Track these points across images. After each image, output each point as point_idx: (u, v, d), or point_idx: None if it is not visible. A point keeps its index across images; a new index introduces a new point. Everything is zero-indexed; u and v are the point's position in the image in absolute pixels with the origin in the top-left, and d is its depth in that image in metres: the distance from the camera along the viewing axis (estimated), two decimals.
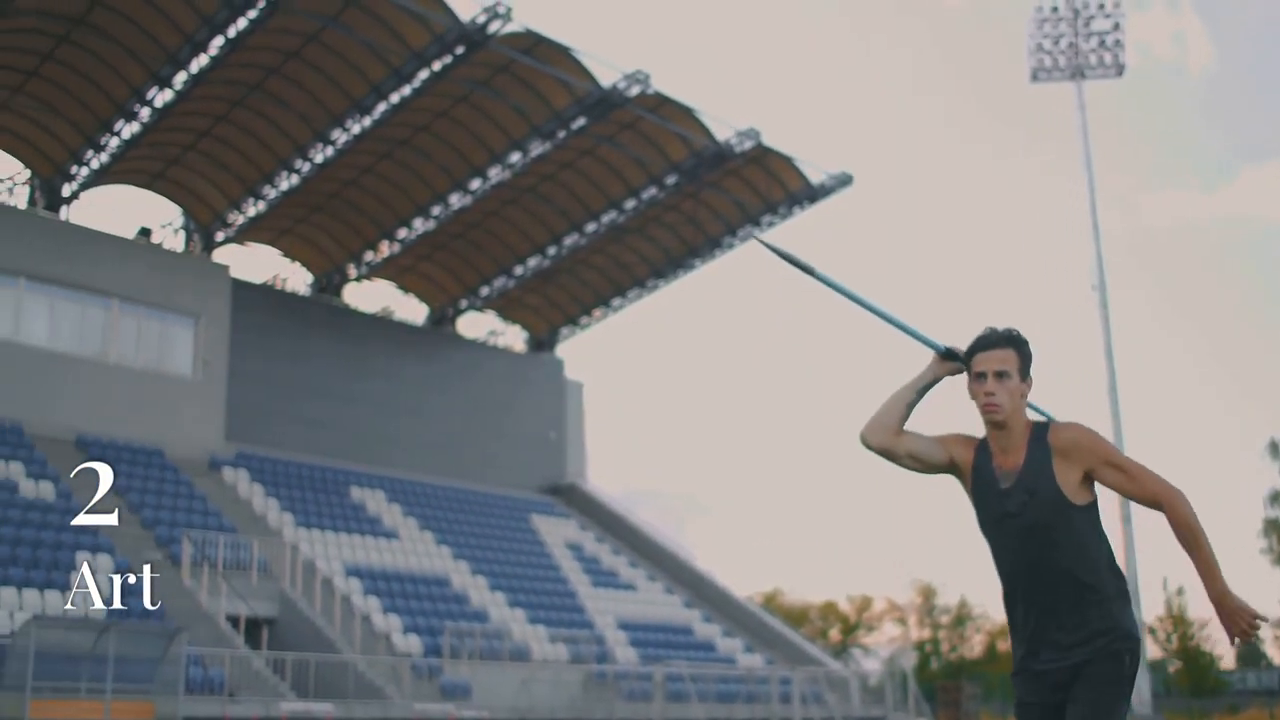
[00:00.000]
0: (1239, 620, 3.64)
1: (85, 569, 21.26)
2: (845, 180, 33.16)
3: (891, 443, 4.03)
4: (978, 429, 4.00)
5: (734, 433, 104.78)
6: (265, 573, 24.79)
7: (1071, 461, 3.81)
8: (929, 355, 4.08)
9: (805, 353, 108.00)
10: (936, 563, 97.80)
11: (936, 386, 4.13)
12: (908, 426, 4.10)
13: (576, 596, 30.53)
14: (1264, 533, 45.59)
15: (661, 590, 33.56)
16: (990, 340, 3.94)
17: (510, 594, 28.76)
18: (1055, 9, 39.58)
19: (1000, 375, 3.88)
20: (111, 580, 21.34)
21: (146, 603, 20.98)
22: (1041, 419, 4.00)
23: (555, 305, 39.29)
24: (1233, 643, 3.76)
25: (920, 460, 4.04)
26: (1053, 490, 3.81)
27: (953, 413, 4.24)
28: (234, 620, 22.81)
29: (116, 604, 20.51)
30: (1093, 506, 3.86)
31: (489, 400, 37.71)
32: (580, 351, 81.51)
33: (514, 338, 40.30)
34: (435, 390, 36.44)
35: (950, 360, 4.06)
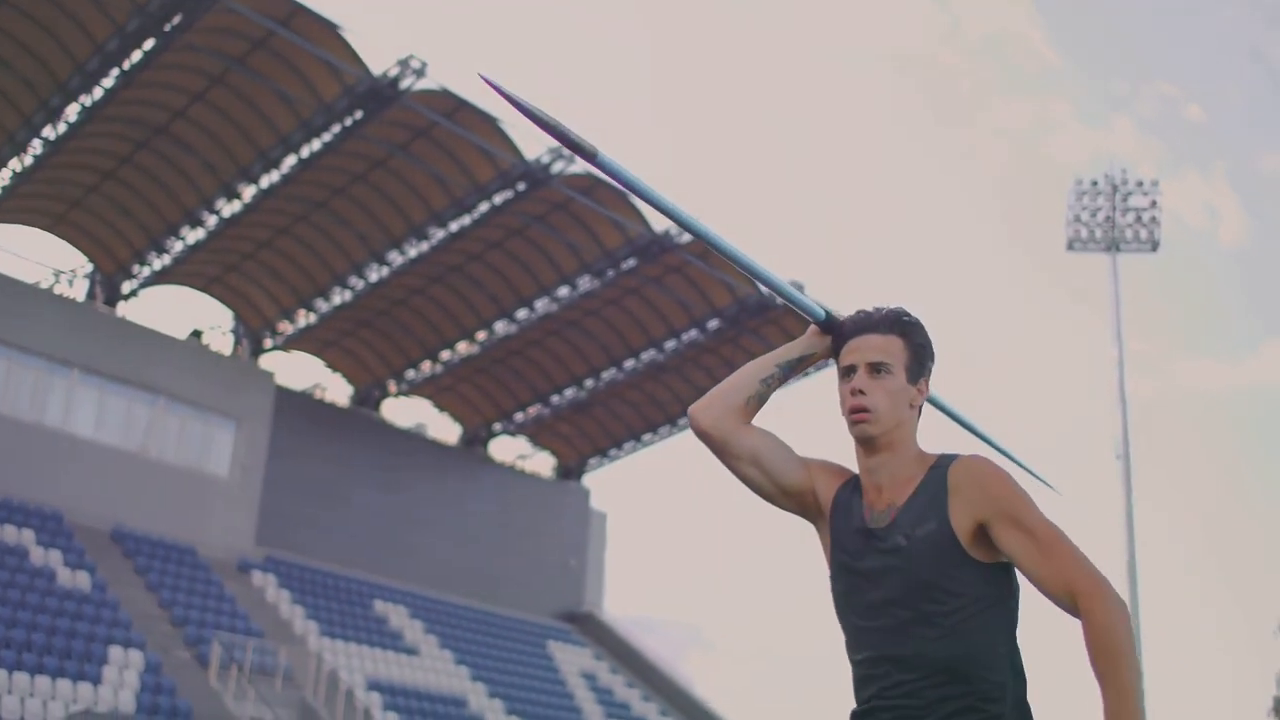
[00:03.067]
0: None
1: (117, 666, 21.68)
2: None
3: (728, 429, 2.93)
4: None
5: (745, 570, 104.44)
6: (290, 680, 25.10)
7: (962, 503, 2.67)
8: None
9: None
10: None
11: (811, 371, 3.21)
12: (768, 425, 3.02)
13: None
14: (1273, 711, 45.28)
15: None
16: (864, 322, 2.87)
17: (524, 719, 28.95)
18: (1095, 183, 40.58)
19: (876, 369, 2.80)
20: (141, 676, 21.75)
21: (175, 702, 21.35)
22: (948, 454, 2.81)
23: (586, 435, 39.90)
24: None
25: (765, 469, 2.92)
26: (945, 535, 2.66)
27: None
28: None
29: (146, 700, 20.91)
30: (1003, 571, 2.69)
31: (514, 523, 38.15)
32: (607, 481, 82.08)
33: (542, 464, 40.89)
34: (463, 510, 36.93)
35: (830, 331, 3.01)
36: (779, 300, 3.21)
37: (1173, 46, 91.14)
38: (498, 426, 38.76)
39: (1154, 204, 40.33)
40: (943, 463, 2.78)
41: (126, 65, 24.61)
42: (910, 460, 2.81)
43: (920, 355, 2.86)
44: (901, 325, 2.86)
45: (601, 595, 40.87)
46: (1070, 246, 40.08)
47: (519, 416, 38.24)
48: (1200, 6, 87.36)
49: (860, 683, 2.77)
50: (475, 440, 38.87)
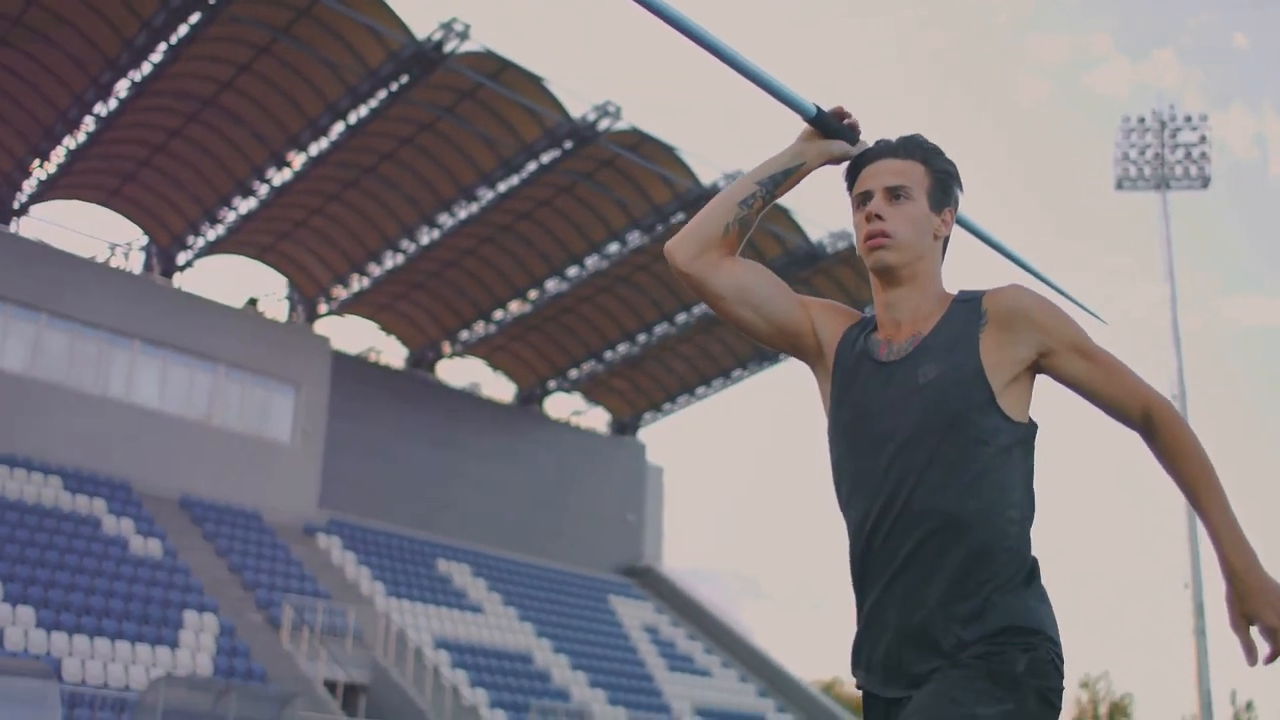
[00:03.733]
0: (1269, 611, 2.24)
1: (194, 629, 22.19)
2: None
3: (707, 264, 2.61)
4: None
5: (802, 520, 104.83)
6: (359, 640, 25.57)
7: (1015, 336, 2.41)
8: None
9: None
10: None
11: (805, 181, 2.71)
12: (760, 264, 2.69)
13: (654, 680, 31.01)
14: None
15: (736, 678, 33.95)
16: (882, 148, 2.61)
17: (590, 674, 29.30)
18: (1142, 120, 40.05)
19: (895, 194, 2.53)
20: (217, 640, 22.26)
21: (251, 665, 21.83)
22: (973, 290, 2.53)
23: (640, 390, 40.10)
24: (1253, 659, 2.25)
25: (754, 304, 2.63)
26: (974, 368, 2.39)
27: None
28: (330, 686, 23.58)
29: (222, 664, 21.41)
30: (1028, 432, 2.42)
31: (571, 480, 38.48)
32: (662, 435, 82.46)
33: (597, 419, 41.17)
34: (520, 467, 37.28)
35: (826, 133, 2.65)
36: (774, 100, 2.53)
37: None
38: (552, 384, 39.02)
39: (1203, 139, 39.82)
40: (970, 296, 2.50)
41: (173, 39, 24.82)
42: (934, 296, 2.54)
43: (944, 182, 2.58)
44: (923, 150, 2.59)
45: (660, 549, 41.21)
46: (1119, 185, 39.67)
47: (573, 373, 38.48)
48: None
49: (856, 540, 2.46)
50: (530, 398, 39.16)
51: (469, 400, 37.50)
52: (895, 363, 2.47)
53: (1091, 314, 3.22)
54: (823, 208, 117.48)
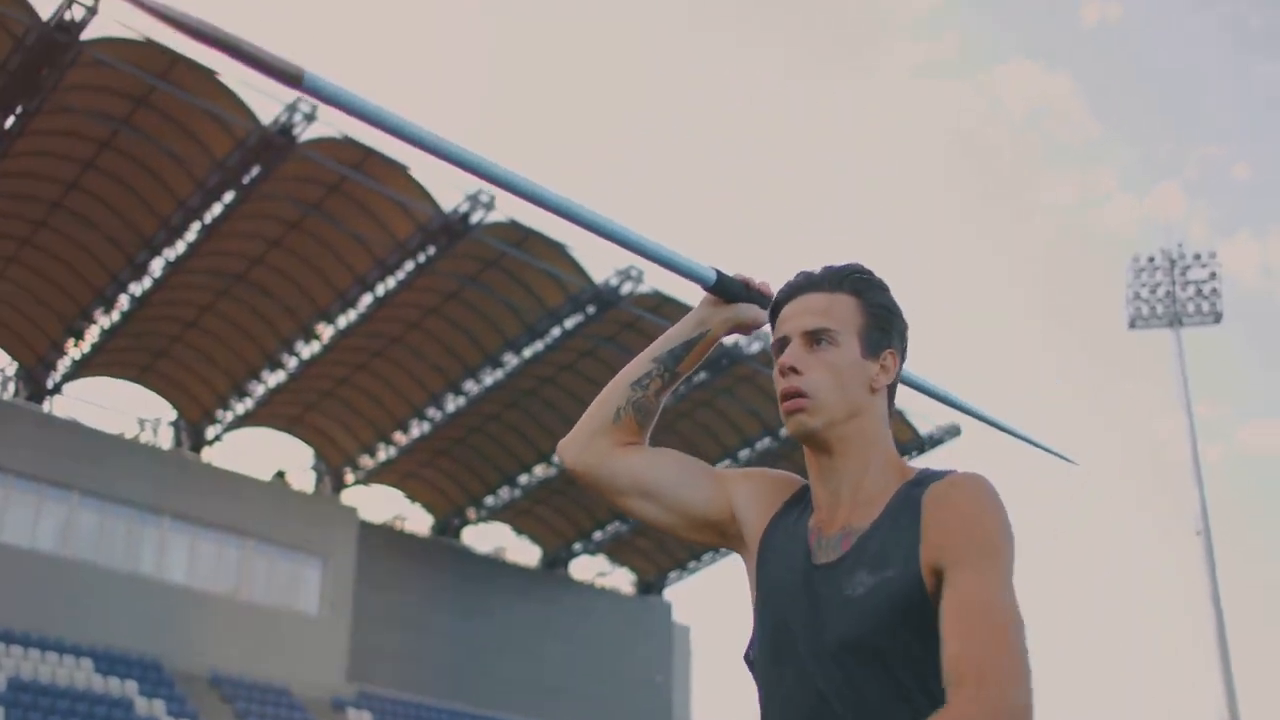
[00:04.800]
0: None
1: None
2: (954, 431, 33.96)
3: (596, 458, 2.23)
4: None
5: None
6: None
7: (930, 539, 1.88)
8: None
9: None
10: None
11: (710, 357, 2.49)
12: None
13: None
14: None
15: None
16: (801, 283, 2.13)
17: None
18: (1152, 259, 40.32)
19: (815, 338, 2.04)
20: None
21: None
22: (938, 470, 2.02)
23: (664, 550, 39.94)
24: None
25: (658, 497, 2.20)
26: (910, 585, 1.86)
27: None
28: None
29: None
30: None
31: (598, 642, 38.11)
32: (688, 594, 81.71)
33: (622, 580, 40.92)
34: (548, 631, 36.96)
35: (729, 298, 2.29)
36: (670, 271, 2.27)
37: (1214, 108, 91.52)
38: (577, 546, 38.91)
39: (1213, 275, 40.20)
40: (924, 479, 1.98)
41: (208, 218, 25.44)
42: (879, 467, 2.02)
43: (882, 319, 2.08)
44: (853, 281, 2.08)
45: (689, 709, 40.59)
46: (1132, 325, 39.95)
47: (597, 535, 38.39)
48: (1237, 67, 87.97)
49: None
50: (555, 561, 39.01)
51: (495, 566, 37.36)
52: (821, 569, 1.97)
53: (1060, 456, 2.88)
54: None
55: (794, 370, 2.04)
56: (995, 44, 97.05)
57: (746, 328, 2.33)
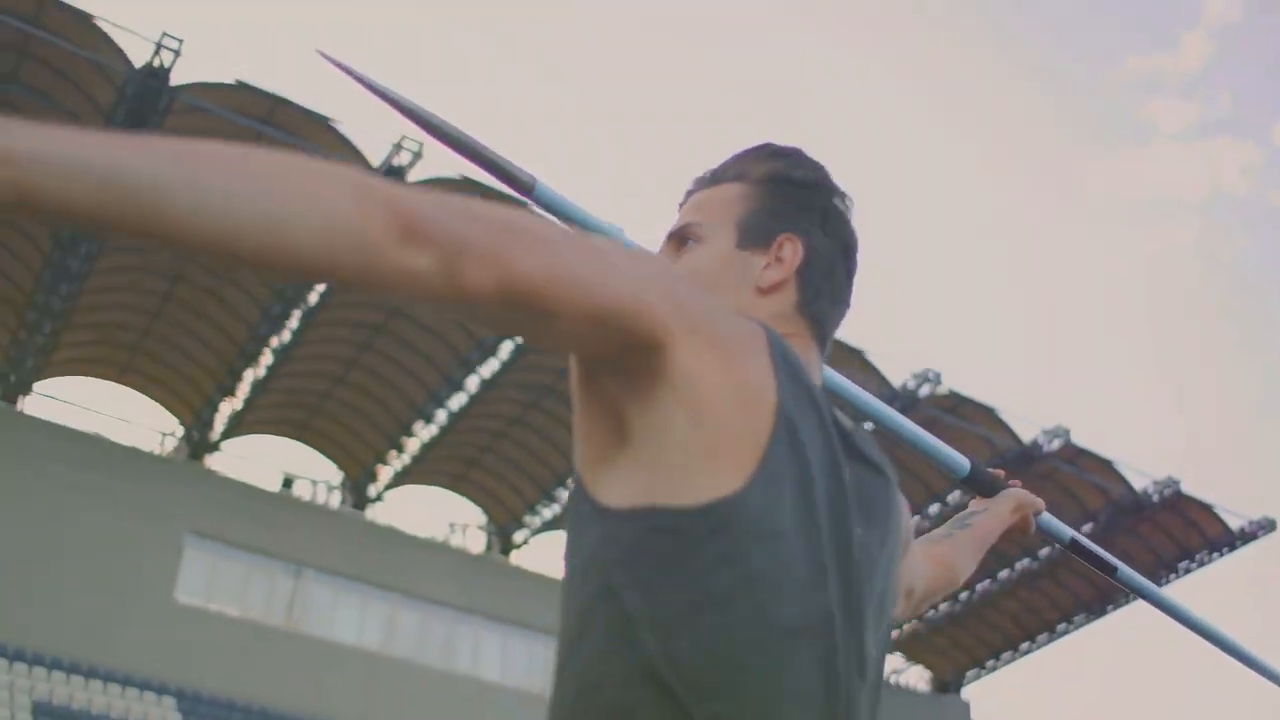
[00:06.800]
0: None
1: None
2: (1268, 526, 32.51)
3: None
4: None
5: None
6: None
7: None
8: None
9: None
10: None
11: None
12: None
13: None
14: None
15: None
16: (689, 187, 1.65)
17: None
18: None
19: (678, 241, 1.58)
20: None
21: None
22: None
23: (961, 647, 39.32)
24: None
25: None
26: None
27: None
28: None
29: None
30: None
31: None
32: (987, 693, 79.57)
33: (918, 678, 40.42)
34: None
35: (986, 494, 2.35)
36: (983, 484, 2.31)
37: None
38: None
39: None
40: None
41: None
42: None
43: (773, 197, 1.56)
44: (739, 164, 1.59)
45: None
46: None
47: (891, 634, 38.08)
48: None
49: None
50: None
51: None
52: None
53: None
54: (1144, 449, 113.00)
55: None
56: None
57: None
